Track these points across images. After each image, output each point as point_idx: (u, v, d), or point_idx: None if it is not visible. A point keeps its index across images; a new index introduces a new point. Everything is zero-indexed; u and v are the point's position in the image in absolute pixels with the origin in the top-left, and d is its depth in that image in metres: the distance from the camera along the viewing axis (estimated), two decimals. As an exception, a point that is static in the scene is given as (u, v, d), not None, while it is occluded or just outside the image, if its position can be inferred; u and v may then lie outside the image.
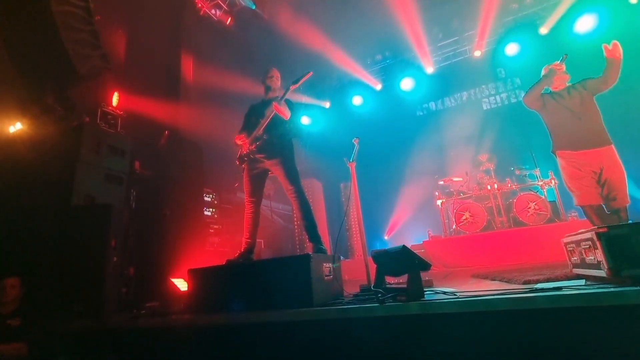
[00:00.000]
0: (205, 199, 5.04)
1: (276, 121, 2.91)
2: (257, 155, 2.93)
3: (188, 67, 5.64)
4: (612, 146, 2.66)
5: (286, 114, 2.84)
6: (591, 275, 1.72)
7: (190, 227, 4.15)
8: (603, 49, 2.74)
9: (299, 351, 1.86)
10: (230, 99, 5.98)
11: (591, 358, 1.31)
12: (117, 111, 3.87)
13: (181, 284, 3.20)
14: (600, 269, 1.55)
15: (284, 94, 2.94)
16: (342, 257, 6.77)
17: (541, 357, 1.38)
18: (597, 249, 1.54)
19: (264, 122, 2.93)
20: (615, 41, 2.69)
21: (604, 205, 2.65)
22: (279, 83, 3.15)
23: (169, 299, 3.07)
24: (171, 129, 4.56)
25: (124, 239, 3.11)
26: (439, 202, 6.38)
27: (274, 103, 2.83)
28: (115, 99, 4.04)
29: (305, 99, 9.05)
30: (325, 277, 2.24)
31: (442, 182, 6.56)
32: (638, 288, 1.30)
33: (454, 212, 5.88)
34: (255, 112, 3.12)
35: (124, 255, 3.17)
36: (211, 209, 5.17)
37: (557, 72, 2.93)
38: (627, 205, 2.57)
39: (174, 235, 3.88)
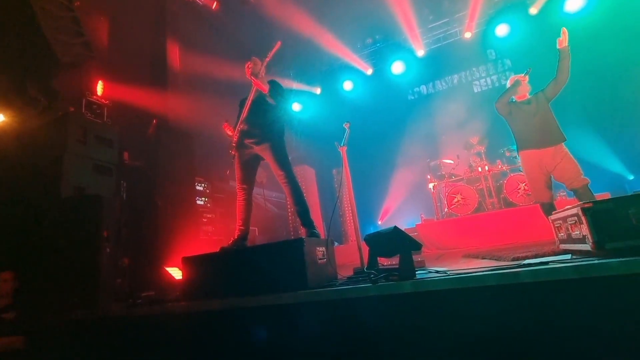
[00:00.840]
0: (197, 188, 5.01)
1: (262, 104, 2.90)
2: (246, 141, 2.91)
3: (174, 54, 5.50)
4: (563, 144, 2.98)
5: (264, 87, 2.85)
6: (577, 250, 1.77)
7: (183, 216, 4.13)
8: (557, 42, 2.98)
9: (294, 333, 1.89)
10: (220, 86, 5.87)
11: (578, 328, 1.36)
12: (103, 100, 3.78)
13: (176, 273, 3.22)
14: (586, 243, 1.59)
15: (260, 69, 2.94)
16: (336, 243, 6.86)
17: (529, 330, 1.43)
18: (582, 223, 1.58)
19: (248, 103, 2.93)
20: (564, 28, 2.94)
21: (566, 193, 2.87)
22: (257, 69, 3.10)
23: (164, 287, 3.08)
24: (159, 118, 4.47)
25: (116, 229, 3.09)
26: (431, 185, 6.44)
27: (251, 77, 2.85)
28: (100, 88, 3.94)
29: (295, 85, 8.93)
30: (319, 261, 2.27)
31: (433, 163, 6.61)
32: (621, 259, 1.34)
33: (446, 195, 5.95)
34: (242, 102, 3.11)
35: (118, 246, 3.16)
36: (204, 198, 5.15)
37: (522, 84, 3.20)
38: (587, 184, 2.81)
39: (167, 225, 3.86)
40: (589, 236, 1.52)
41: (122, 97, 4.47)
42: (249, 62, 3.10)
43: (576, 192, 2.88)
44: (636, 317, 1.29)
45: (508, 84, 3.39)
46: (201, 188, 5.16)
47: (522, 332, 1.43)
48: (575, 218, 1.67)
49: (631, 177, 6.26)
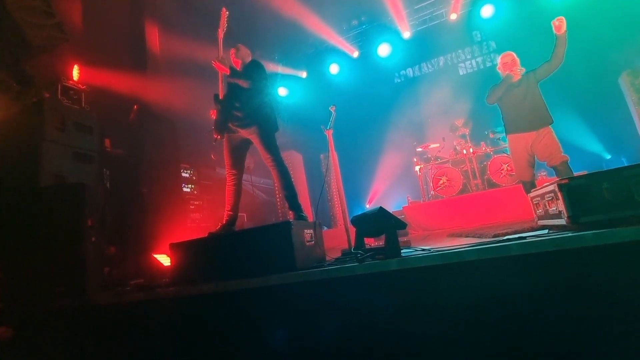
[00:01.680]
0: (183, 175, 4.94)
1: (239, 87, 2.87)
2: (231, 125, 2.87)
3: (153, 36, 5.29)
4: (550, 127, 3.05)
5: (224, 68, 2.89)
6: (554, 225, 1.85)
7: (169, 203, 4.09)
8: (552, 26, 2.98)
9: (284, 313, 1.94)
10: (202, 70, 5.70)
11: (555, 298, 1.44)
12: (80, 86, 3.63)
13: (164, 260, 3.21)
14: (562, 218, 1.66)
15: (219, 48, 2.96)
16: (324, 227, 6.93)
17: (508, 301, 1.50)
18: (558, 199, 1.64)
19: (220, 86, 2.94)
20: (561, 17, 2.96)
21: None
22: (233, 57, 3.09)
23: (153, 274, 3.07)
24: (140, 103, 4.34)
25: (101, 218, 3.04)
26: (417, 168, 6.53)
27: (212, 61, 2.89)
28: (75, 72, 3.78)
29: (281, 69, 8.77)
30: (307, 243, 2.30)
31: (420, 149, 6.69)
32: (594, 232, 1.41)
33: (432, 178, 6.05)
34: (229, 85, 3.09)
35: (103, 234, 3.11)
36: (190, 185, 5.09)
37: (513, 77, 3.19)
38: (566, 161, 2.91)
39: (153, 213, 3.82)
40: (565, 211, 1.58)
41: (100, 82, 4.31)
42: (232, 49, 3.06)
43: (556, 170, 2.98)
44: (607, 284, 1.37)
45: (500, 66, 3.38)
46: (187, 175, 5.09)
47: (501, 304, 1.50)
48: (552, 194, 1.73)
49: (608, 157, 6.49)
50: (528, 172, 3.15)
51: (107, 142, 3.86)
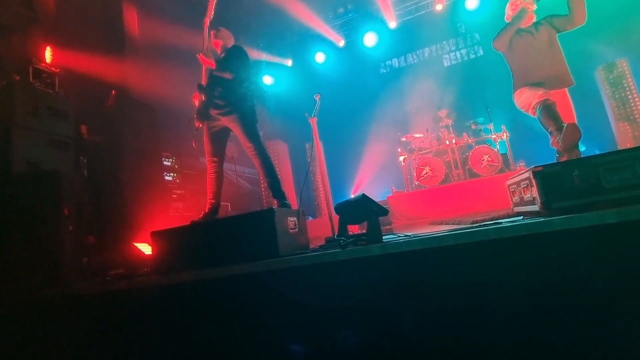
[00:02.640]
0: (165, 163, 4.84)
1: (219, 76, 2.83)
2: (213, 112, 2.82)
3: (132, 18, 5.07)
4: (567, 90, 2.68)
5: (209, 61, 2.84)
6: (528, 212, 1.92)
7: (150, 192, 4.00)
8: None
9: (267, 300, 1.95)
10: (184, 55, 5.53)
11: (528, 280, 1.50)
12: (53, 69, 3.47)
13: (145, 248, 3.16)
14: (535, 204, 1.73)
15: (205, 38, 2.91)
16: (309, 217, 6.95)
17: (485, 283, 1.56)
18: (533, 186, 1.70)
19: (204, 74, 2.89)
20: None
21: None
22: (213, 38, 3.02)
23: (133, 264, 3.03)
24: (118, 89, 4.19)
25: (78, 207, 2.95)
26: (401, 158, 6.61)
27: (197, 54, 2.84)
28: (48, 54, 3.60)
29: (266, 57, 8.62)
30: (291, 230, 2.31)
31: (404, 139, 6.76)
32: (564, 216, 1.48)
33: (416, 168, 6.15)
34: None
35: (81, 223, 3.03)
36: (172, 174, 4.99)
37: (527, 12, 2.75)
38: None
39: (133, 201, 3.73)
40: (538, 197, 1.65)
41: (75, 65, 4.12)
42: (213, 30, 2.97)
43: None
44: (575, 266, 1.44)
45: (509, 13, 2.94)
46: (169, 163, 4.98)
47: (478, 287, 1.56)
48: (527, 182, 1.79)
49: (583, 148, 6.73)
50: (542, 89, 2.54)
51: (83, 128, 3.72)
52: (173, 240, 2.36)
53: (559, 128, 2.36)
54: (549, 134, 2.50)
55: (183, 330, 2.09)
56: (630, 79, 6.03)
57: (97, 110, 4.09)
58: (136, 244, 3.25)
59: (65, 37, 4.13)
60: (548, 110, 2.44)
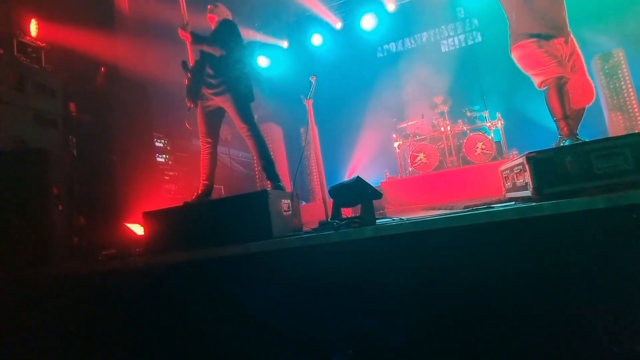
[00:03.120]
0: (157, 144, 4.76)
1: (209, 53, 2.74)
2: (206, 91, 2.76)
3: (121, -8, 4.87)
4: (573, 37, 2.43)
5: (187, 37, 2.76)
6: (520, 197, 1.94)
7: (141, 173, 3.95)
8: None
9: (260, 282, 1.96)
10: (177, 33, 5.36)
11: (518, 263, 1.53)
12: (39, 42, 3.33)
13: (137, 229, 3.14)
14: (527, 190, 1.75)
15: (185, 15, 2.83)
16: (303, 202, 6.97)
17: (476, 267, 1.58)
18: (526, 171, 1.71)
19: (190, 52, 2.82)
20: None
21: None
22: (209, 13, 2.90)
23: (125, 244, 3.01)
24: (108, 66, 4.06)
25: (68, 186, 2.90)
26: (396, 144, 6.60)
27: (178, 29, 2.75)
28: (33, 27, 3.45)
29: (261, 37, 8.40)
30: (284, 213, 2.31)
31: (399, 125, 6.74)
32: (553, 202, 1.50)
33: (410, 154, 6.16)
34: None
35: (71, 203, 2.99)
36: (164, 156, 4.92)
37: None
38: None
39: (124, 182, 3.68)
40: (530, 183, 1.66)
41: (62, 40, 3.96)
42: (210, 5, 2.87)
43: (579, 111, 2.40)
44: (565, 249, 1.47)
45: None
46: (161, 145, 4.91)
47: (469, 269, 1.59)
48: (521, 167, 1.80)
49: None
50: (557, 59, 2.30)
51: (72, 106, 3.62)
52: (166, 221, 2.34)
53: (565, 117, 2.29)
54: (554, 121, 2.37)
55: (175, 311, 2.11)
56: (625, 69, 6.04)
57: (86, 88, 3.97)
58: (128, 225, 3.23)
59: (51, 10, 3.96)
60: (559, 92, 2.29)
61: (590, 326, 1.40)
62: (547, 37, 2.35)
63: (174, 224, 2.32)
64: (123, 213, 3.42)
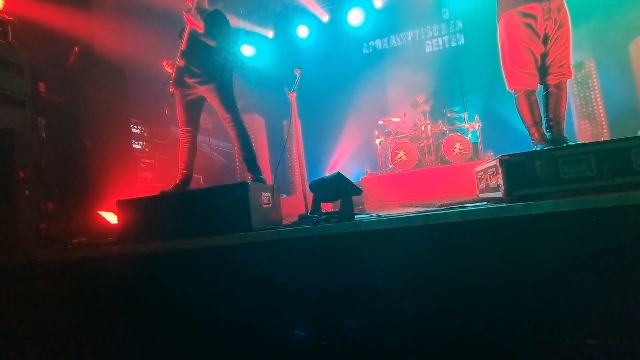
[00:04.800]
0: (133, 130, 4.59)
1: (199, 39, 2.66)
2: (189, 80, 2.69)
3: (98, -33, 4.62)
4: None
5: (198, 24, 2.62)
6: (492, 198, 2.03)
7: (116, 159, 3.80)
8: None
9: (237, 273, 1.96)
10: (157, 15, 5.16)
11: (489, 261, 1.60)
12: (5, 16, 3.12)
13: (110, 217, 3.04)
14: (499, 191, 1.83)
15: (194, 1, 2.68)
16: (284, 194, 6.95)
17: (448, 264, 1.65)
18: (498, 173, 1.79)
19: (185, 35, 2.70)
20: None
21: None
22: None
23: (97, 232, 2.91)
24: (82, 45, 3.86)
25: (36, 170, 2.76)
26: (377, 141, 6.69)
27: (183, 12, 2.60)
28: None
29: (246, 25, 8.22)
30: (264, 205, 2.30)
31: (381, 122, 6.82)
32: (523, 203, 1.58)
33: (391, 151, 6.26)
34: (182, 33, 2.82)
35: (39, 188, 2.85)
36: (141, 142, 4.76)
37: None
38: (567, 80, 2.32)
39: (98, 168, 3.54)
40: (502, 185, 1.74)
41: (32, 15, 3.72)
42: None
43: (549, 93, 2.34)
44: (533, 248, 1.55)
45: None
46: (138, 131, 4.74)
47: (443, 266, 1.65)
48: (494, 169, 1.88)
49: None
50: (533, 74, 2.26)
51: (41, 86, 3.42)
52: (141, 210, 2.28)
53: (535, 123, 2.34)
54: (525, 127, 2.41)
55: (148, 302, 2.07)
56: (595, 80, 6.37)
57: (58, 67, 3.76)
58: (101, 213, 3.12)
59: (20, -19, 3.69)
60: (529, 100, 2.32)
61: (555, 318, 1.50)
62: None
63: (150, 214, 2.26)
64: (96, 200, 3.29)
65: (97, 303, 2.15)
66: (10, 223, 2.34)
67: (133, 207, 2.29)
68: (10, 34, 3.19)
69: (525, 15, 2.23)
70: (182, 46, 2.69)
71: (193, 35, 2.68)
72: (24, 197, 2.50)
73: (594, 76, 6.38)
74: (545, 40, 2.26)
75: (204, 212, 2.13)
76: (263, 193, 2.29)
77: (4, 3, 3.34)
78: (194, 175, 2.89)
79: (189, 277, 2.03)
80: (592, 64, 6.39)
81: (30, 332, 2.16)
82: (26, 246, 2.40)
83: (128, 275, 2.13)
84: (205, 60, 2.68)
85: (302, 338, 1.77)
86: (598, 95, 6.34)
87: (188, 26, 2.67)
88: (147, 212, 2.27)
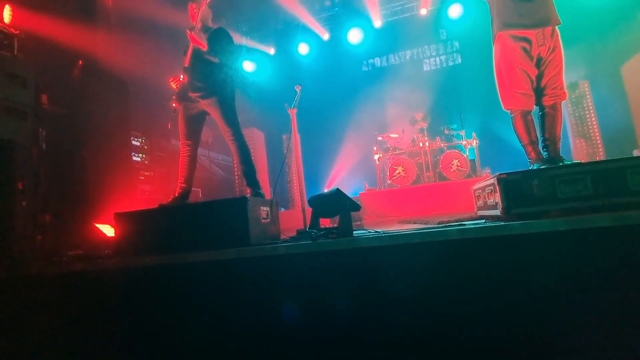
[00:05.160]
0: (134, 143, 4.61)
1: (203, 56, 2.72)
2: (192, 94, 2.73)
3: (105, -15, 4.75)
4: (557, 29, 2.33)
5: (202, 43, 2.68)
6: (490, 215, 2.03)
7: (115, 171, 3.80)
8: None
9: (235, 288, 1.94)
10: (161, 30, 5.27)
11: (487, 278, 1.60)
12: (11, 29, 3.18)
13: (107, 230, 3.01)
14: (497, 209, 1.84)
15: (202, 16, 2.76)
16: (282, 208, 6.93)
17: (447, 280, 1.64)
18: (496, 192, 1.81)
19: (189, 52, 2.76)
20: None
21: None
22: (197, 17, 2.84)
23: (94, 245, 2.88)
24: (87, 59, 3.92)
25: (34, 181, 2.76)
26: (376, 157, 6.74)
27: (187, 31, 2.67)
28: (7, 13, 3.29)
29: (247, 42, 8.40)
30: (263, 220, 2.30)
31: (380, 138, 6.89)
32: (521, 222, 1.59)
33: (389, 167, 6.30)
34: (185, 52, 2.89)
35: (36, 199, 2.83)
36: (141, 155, 4.77)
37: None
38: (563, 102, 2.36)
39: (97, 180, 3.53)
40: (500, 203, 1.75)
41: (38, 29, 3.79)
42: (192, 4, 2.84)
43: (545, 113, 2.37)
44: (530, 267, 1.55)
45: None
46: (138, 143, 4.76)
47: (441, 283, 1.64)
48: (492, 187, 1.90)
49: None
50: (528, 95, 2.30)
51: (44, 98, 3.45)
52: (139, 223, 2.27)
53: (531, 142, 2.37)
54: (522, 146, 2.44)
55: (144, 316, 2.03)
56: (589, 100, 6.50)
57: (61, 79, 3.81)
58: (97, 225, 3.09)
59: (27, -4, 3.79)
60: (525, 120, 2.37)
61: (551, 335, 1.48)
62: (527, 26, 2.27)
63: (148, 227, 2.25)
64: (93, 212, 3.27)
65: (91, 317, 2.11)
66: (6, 234, 2.32)
67: (130, 220, 2.28)
68: (16, 47, 3.25)
69: (520, 39, 2.30)
70: (186, 63, 2.75)
71: (196, 52, 2.75)
72: (20, 208, 2.49)
73: (588, 96, 6.51)
74: (538, 64, 2.32)
75: (202, 226, 2.13)
76: (262, 207, 2.29)
77: (11, 17, 3.42)
78: (193, 189, 2.89)
79: (186, 292, 2.00)
80: (586, 85, 6.54)
81: (23, 345, 2.10)
82: (21, 258, 2.37)
83: (123, 289, 2.10)
84: (208, 75, 2.73)
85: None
86: (593, 115, 6.46)
87: (192, 43, 2.74)
88: (144, 225, 2.26)
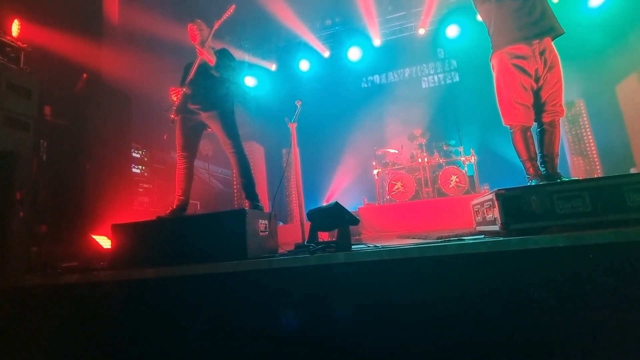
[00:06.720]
0: (134, 155, 4.63)
1: (208, 70, 2.78)
2: (191, 106, 2.77)
3: (112, 1, 4.88)
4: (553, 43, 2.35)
5: (211, 58, 2.74)
6: (489, 231, 2.03)
7: (114, 183, 3.80)
8: None
9: (232, 301, 1.91)
10: (163, 46, 5.38)
11: (486, 293, 1.58)
12: (19, 43, 3.25)
13: (104, 242, 2.99)
14: (496, 225, 1.83)
15: (209, 35, 2.84)
16: (280, 222, 6.90)
17: (445, 294, 1.62)
18: (495, 207, 1.81)
19: (194, 67, 2.82)
20: None
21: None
22: (198, 37, 2.91)
23: (89, 257, 2.85)
24: (91, 73, 3.99)
25: (32, 192, 2.75)
26: (375, 172, 6.76)
27: (197, 47, 2.74)
28: (15, 27, 3.37)
29: (249, 59, 8.57)
30: (261, 233, 2.29)
31: (379, 153, 6.93)
32: (520, 237, 1.58)
33: (388, 182, 6.31)
34: (188, 67, 2.96)
35: (33, 210, 2.82)
36: (140, 167, 4.79)
37: None
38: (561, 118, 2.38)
39: (95, 191, 3.53)
40: (499, 218, 1.75)
41: (45, 42, 3.88)
42: (192, 25, 2.91)
43: (543, 130, 2.39)
44: (529, 283, 1.54)
45: None
46: (138, 155, 4.78)
47: (439, 297, 1.62)
48: (490, 202, 1.90)
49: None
50: (528, 109, 2.31)
51: (47, 109, 3.49)
52: (136, 235, 2.26)
53: (530, 158, 2.38)
54: (521, 162, 2.45)
55: (139, 329, 1.99)
56: (585, 118, 6.59)
57: (65, 92, 3.86)
58: (94, 236, 3.07)
59: (37, 12, 3.89)
60: (524, 136, 2.38)
61: (549, 353, 1.45)
62: (528, 38, 2.29)
63: (145, 239, 2.23)
64: (90, 224, 3.25)
65: (85, 330, 2.07)
66: (0, 245, 2.29)
67: (127, 232, 2.26)
68: (22, 59, 3.32)
69: (516, 56, 2.34)
70: (190, 76, 2.80)
71: (202, 67, 2.80)
72: (17, 218, 2.47)
73: (584, 115, 6.60)
74: (536, 79, 2.34)
75: (200, 239, 2.11)
76: (260, 221, 2.29)
77: (19, 31, 3.50)
78: (191, 201, 2.89)
79: (182, 305, 1.97)
80: (581, 104, 6.64)
81: (16, 358, 2.05)
82: (15, 269, 2.34)
83: (118, 301, 2.07)
84: (209, 89, 2.78)
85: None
86: (589, 133, 6.53)
87: (199, 58, 2.80)
88: (141, 237, 2.24)
